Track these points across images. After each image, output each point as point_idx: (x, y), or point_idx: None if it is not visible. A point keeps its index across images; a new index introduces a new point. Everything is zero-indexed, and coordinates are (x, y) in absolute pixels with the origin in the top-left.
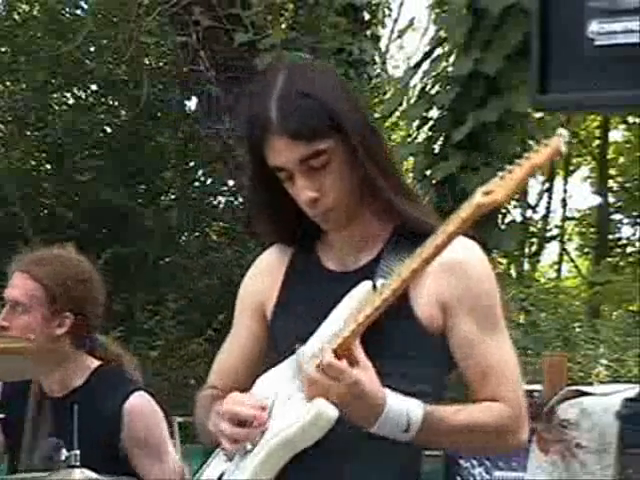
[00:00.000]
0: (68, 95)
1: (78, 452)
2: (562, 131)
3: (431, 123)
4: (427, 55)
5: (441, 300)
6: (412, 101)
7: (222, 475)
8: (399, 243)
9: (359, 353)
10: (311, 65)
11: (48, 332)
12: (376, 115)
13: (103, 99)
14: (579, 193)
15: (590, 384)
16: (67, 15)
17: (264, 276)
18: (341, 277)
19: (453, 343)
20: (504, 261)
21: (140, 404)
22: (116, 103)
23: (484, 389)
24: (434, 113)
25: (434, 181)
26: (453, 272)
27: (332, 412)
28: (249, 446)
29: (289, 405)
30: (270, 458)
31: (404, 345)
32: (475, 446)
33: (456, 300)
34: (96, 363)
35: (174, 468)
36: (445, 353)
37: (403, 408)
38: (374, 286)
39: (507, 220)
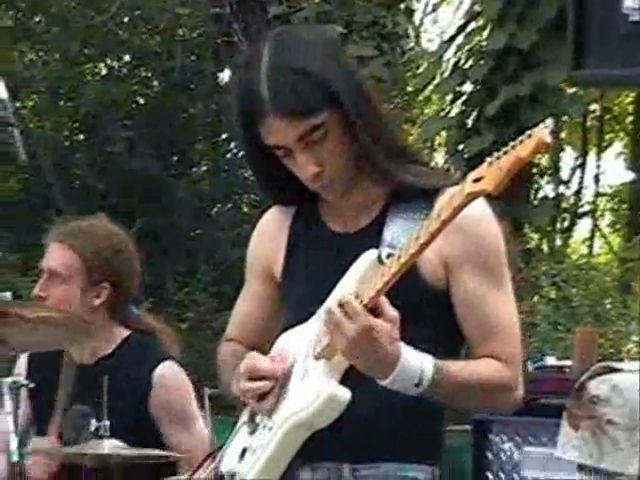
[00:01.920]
0: (101, 66)
1: (108, 423)
2: (548, 121)
3: (464, 97)
4: (461, 29)
5: (444, 256)
6: (445, 75)
7: (245, 450)
8: (398, 207)
9: (385, 306)
10: (299, 33)
11: (86, 303)
12: (409, 89)
13: (136, 70)
14: (612, 169)
15: (621, 360)
16: None
17: (268, 238)
18: (345, 238)
19: (456, 299)
20: (536, 236)
21: (168, 373)
22: (149, 74)
23: (485, 346)
24: (467, 87)
25: (466, 156)
26: (457, 229)
27: (343, 395)
28: (268, 422)
29: (306, 379)
30: (287, 438)
31: (409, 301)
32: (476, 402)
33: (459, 256)
34: (126, 332)
35: (202, 437)
36: (450, 311)
37: (417, 362)
38: (379, 256)
39: (539, 196)
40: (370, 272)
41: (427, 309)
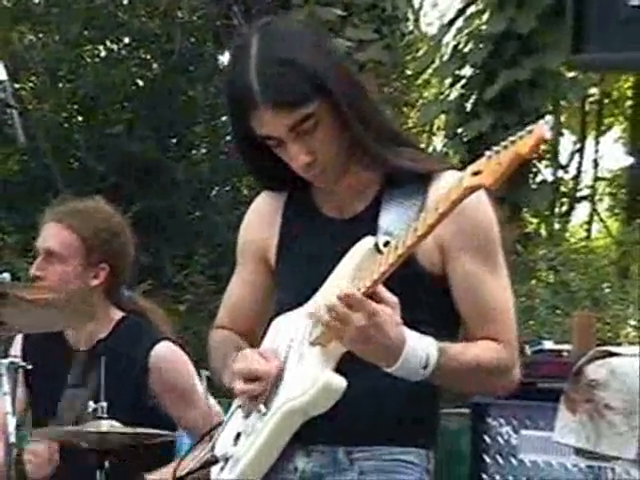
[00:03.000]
0: (100, 48)
1: (105, 404)
2: (547, 117)
3: (463, 81)
4: (460, 13)
5: (440, 241)
6: (445, 59)
7: (239, 434)
8: (391, 193)
9: (384, 292)
10: (286, 25)
11: (83, 283)
12: (408, 72)
13: (135, 52)
14: (611, 154)
15: (619, 344)
16: None
17: (260, 223)
18: (340, 224)
19: (452, 283)
20: (535, 220)
21: (166, 352)
22: (148, 56)
23: (483, 329)
24: (467, 71)
25: (465, 139)
26: (453, 215)
27: (339, 384)
28: (263, 408)
29: (302, 365)
30: (282, 424)
31: (405, 287)
32: (476, 384)
33: (455, 241)
34: (120, 314)
35: (206, 411)
36: (446, 296)
37: (423, 345)
38: (376, 244)
39: (538, 180)
40: (366, 260)
41: (424, 294)
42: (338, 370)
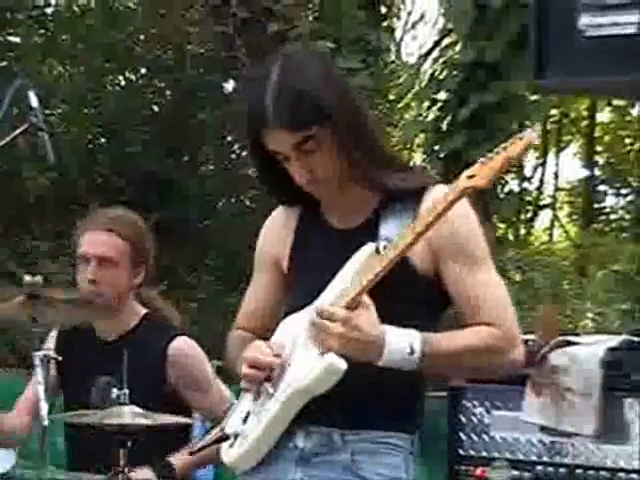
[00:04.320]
0: (120, 78)
1: (127, 391)
2: (535, 127)
3: (439, 104)
4: (437, 44)
5: (432, 246)
6: (423, 84)
7: (248, 414)
8: (389, 204)
9: (360, 297)
10: (303, 56)
11: (130, 283)
12: (391, 97)
13: (151, 81)
14: (569, 167)
15: (577, 335)
16: (120, 7)
17: (276, 234)
18: (345, 234)
19: (446, 282)
20: (503, 226)
21: (184, 346)
22: (162, 85)
23: (476, 319)
24: (442, 95)
25: (441, 155)
26: (444, 223)
27: (340, 364)
28: (271, 390)
29: (306, 354)
30: (288, 403)
31: (402, 288)
32: (469, 365)
33: (445, 243)
34: (144, 310)
35: (221, 397)
36: (439, 294)
37: (403, 335)
38: (377, 249)
39: (505, 190)
40: (367, 263)
41: (420, 294)
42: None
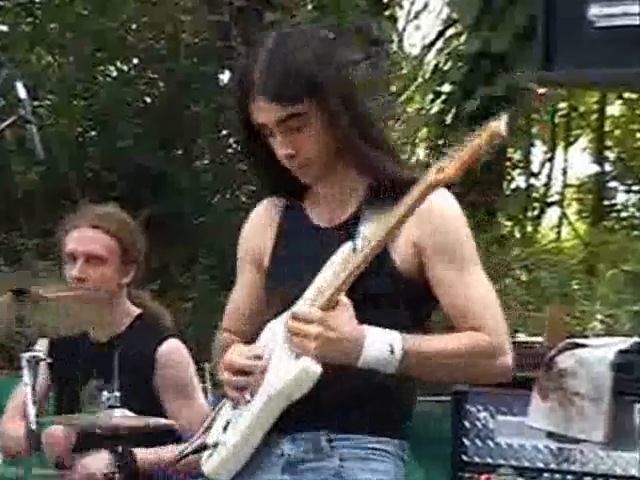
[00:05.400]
0: (112, 68)
1: (118, 394)
2: (503, 115)
3: (443, 97)
4: (440, 35)
5: (416, 245)
6: (426, 77)
7: (228, 423)
8: (375, 200)
9: (340, 297)
10: (299, 32)
11: (119, 282)
12: (393, 89)
13: (143, 72)
14: (578, 162)
15: (586, 337)
16: None
17: (259, 230)
18: (325, 232)
19: (432, 284)
20: (509, 224)
21: (171, 350)
22: (155, 76)
23: (464, 322)
24: (446, 88)
25: (445, 149)
26: (427, 219)
27: (314, 368)
28: (248, 397)
29: (283, 358)
30: (265, 409)
31: (382, 288)
32: (456, 372)
33: (430, 243)
34: (137, 311)
35: (201, 409)
36: (423, 295)
37: (384, 335)
38: (354, 248)
39: (512, 187)
40: (345, 262)
41: (402, 295)
42: (325, 366)
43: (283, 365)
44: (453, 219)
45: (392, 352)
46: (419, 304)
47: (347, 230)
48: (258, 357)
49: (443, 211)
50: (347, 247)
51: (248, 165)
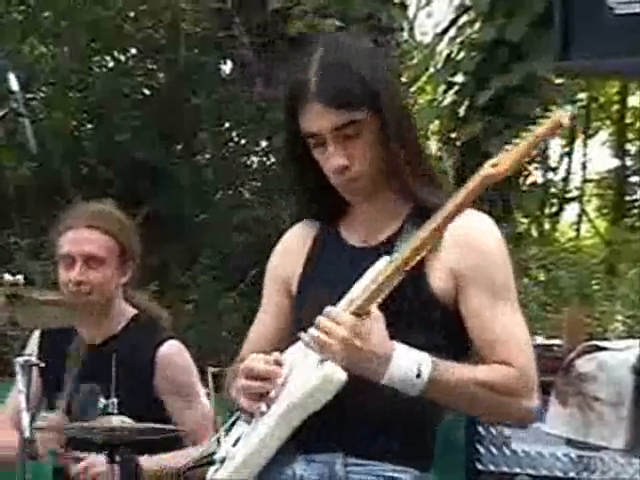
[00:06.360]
0: (108, 59)
1: (116, 400)
2: (568, 107)
3: (456, 88)
4: (453, 22)
5: (454, 272)
6: (438, 66)
7: (239, 438)
8: (417, 222)
9: (369, 307)
10: (349, 39)
11: (117, 282)
12: (403, 79)
13: (142, 63)
14: (598, 156)
15: (607, 339)
16: None
17: (290, 254)
18: (361, 252)
19: (465, 314)
20: (525, 221)
21: (172, 352)
22: (154, 67)
23: (494, 355)
24: (459, 78)
25: (458, 143)
26: (466, 245)
27: (339, 375)
28: (264, 407)
29: (305, 364)
30: (284, 419)
31: (417, 313)
32: (480, 405)
33: (468, 272)
34: (133, 311)
35: (204, 413)
36: (458, 323)
37: (413, 355)
38: (390, 261)
39: (529, 182)
40: (380, 274)
41: (436, 319)
42: (348, 382)
43: (306, 372)
44: (496, 250)
45: (418, 376)
46: (456, 333)
47: (382, 249)
48: (278, 363)
49: (482, 238)
50: (382, 261)
51: (290, 184)
